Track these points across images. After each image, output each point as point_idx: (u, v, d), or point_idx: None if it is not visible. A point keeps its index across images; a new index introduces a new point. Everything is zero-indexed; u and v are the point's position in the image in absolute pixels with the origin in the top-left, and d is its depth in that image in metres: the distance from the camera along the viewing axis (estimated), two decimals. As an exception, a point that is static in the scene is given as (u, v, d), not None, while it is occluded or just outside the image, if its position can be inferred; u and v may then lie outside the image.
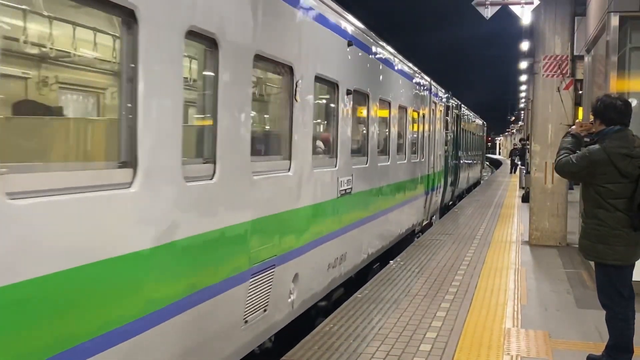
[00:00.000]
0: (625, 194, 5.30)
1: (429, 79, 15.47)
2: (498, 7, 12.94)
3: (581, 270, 10.00)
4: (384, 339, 6.36)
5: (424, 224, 15.17)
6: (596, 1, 10.47)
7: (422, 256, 10.93)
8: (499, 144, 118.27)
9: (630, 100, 8.72)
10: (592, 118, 5.72)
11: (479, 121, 37.25)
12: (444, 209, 19.77)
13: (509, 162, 47.42)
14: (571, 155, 5.55)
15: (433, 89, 16.15)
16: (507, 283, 8.98)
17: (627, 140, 5.40)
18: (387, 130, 10.63)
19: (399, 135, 11.74)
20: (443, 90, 18.52)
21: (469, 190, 29.14)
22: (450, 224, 15.54)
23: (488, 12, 13.01)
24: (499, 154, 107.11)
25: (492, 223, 15.71)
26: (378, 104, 9.69)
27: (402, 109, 11.80)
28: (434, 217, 17.22)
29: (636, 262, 5.59)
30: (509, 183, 32.54)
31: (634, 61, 8.91)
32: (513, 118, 72.12)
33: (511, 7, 12.90)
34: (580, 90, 12.83)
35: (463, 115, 25.17)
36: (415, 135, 13.51)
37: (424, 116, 14.46)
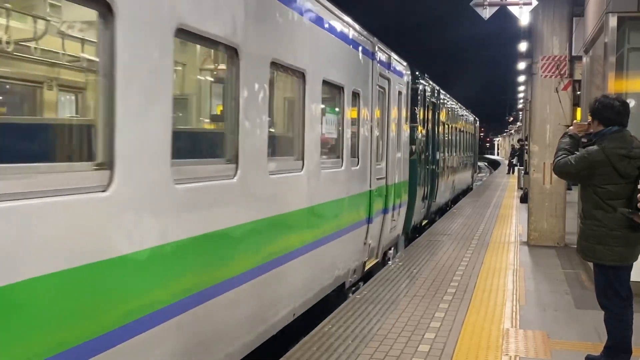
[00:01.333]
0: (624, 194, 5.30)
1: (373, 39, 9.69)
2: (496, 8, 12.94)
3: (579, 270, 10.00)
4: (383, 340, 6.36)
5: (367, 266, 9.64)
6: (594, 2, 10.48)
7: (420, 257, 10.92)
8: (497, 144, 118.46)
9: (628, 100, 8.76)
10: (590, 119, 5.72)
11: (469, 115, 30.23)
12: (415, 231, 14.63)
13: (507, 162, 47.37)
14: (570, 157, 5.54)
15: (382, 57, 10.19)
16: (505, 283, 8.98)
17: (626, 140, 5.40)
18: (255, 113, 5.39)
19: (292, 125, 6.84)
20: (405, 64, 12.46)
21: (455, 200, 23.78)
22: (448, 225, 15.53)
23: (486, 13, 13.01)
24: (498, 154, 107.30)
25: (490, 223, 15.72)
26: (213, 55, 5.32)
27: (300, 77, 6.60)
28: (391, 251, 11.70)
29: (634, 262, 5.59)
30: (507, 184, 32.57)
31: (632, 62, 8.91)
32: (511, 119, 72.23)
33: (509, 7, 12.90)
34: (579, 90, 12.84)
35: (443, 106, 19.13)
36: (339, 128, 8.17)
37: (358, 97, 8.70)
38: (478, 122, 36.91)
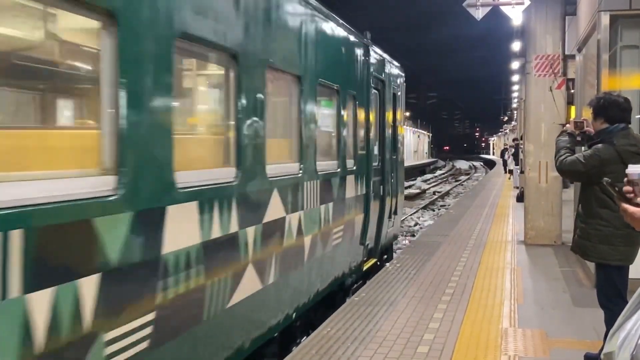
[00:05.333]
0: None
1: None
2: (489, 8, 12.97)
3: (576, 268, 10.02)
4: (382, 342, 6.36)
5: None
6: (586, 0, 10.51)
7: (418, 258, 10.93)
8: (493, 144, 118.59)
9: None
10: (586, 116, 5.68)
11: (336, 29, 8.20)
12: None
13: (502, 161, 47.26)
14: (576, 155, 5.45)
15: None
16: (503, 283, 8.99)
17: (634, 138, 5.38)
18: None
19: None
20: None
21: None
22: (445, 225, 15.55)
23: (479, 13, 13.04)
24: (493, 154, 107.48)
25: (487, 223, 15.73)
26: None
27: None
28: None
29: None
30: (503, 183, 32.64)
31: (625, 59, 8.94)
32: (506, 118, 72.40)
33: (502, 7, 12.93)
34: (572, 89, 12.88)
35: None
36: None
37: None
38: (402, 75, 13.22)
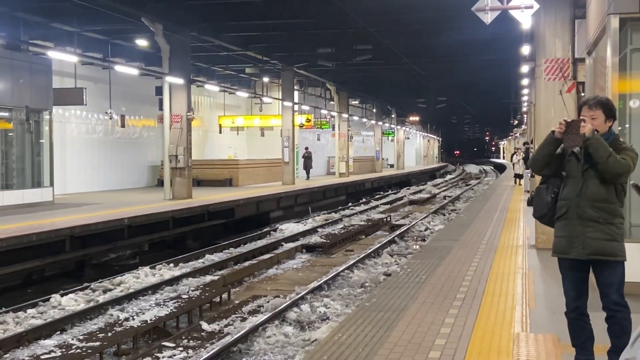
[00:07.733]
0: None
1: None
2: (498, 12, 12.96)
3: (589, 272, 9.97)
4: (393, 347, 6.36)
5: None
6: (595, 3, 10.49)
7: (428, 262, 10.91)
8: (503, 148, 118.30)
9: (632, 101, 8.80)
10: (599, 117, 5.61)
11: None
12: None
13: (512, 166, 47.10)
14: (619, 156, 5.31)
15: None
16: (514, 287, 8.96)
17: None
18: None
19: None
20: None
21: None
22: (456, 230, 15.52)
23: (488, 17, 13.04)
24: (503, 158, 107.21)
25: (498, 227, 15.70)
26: None
27: None
28: None
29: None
30: (513, 187, 32.55)
31: (635, 62, 8.92)
32: (516, 122, 72.32)
33: (511, 11, 12.92)
34: (583, 92, 12.84)
35: None
36: None
37: None
38: None
